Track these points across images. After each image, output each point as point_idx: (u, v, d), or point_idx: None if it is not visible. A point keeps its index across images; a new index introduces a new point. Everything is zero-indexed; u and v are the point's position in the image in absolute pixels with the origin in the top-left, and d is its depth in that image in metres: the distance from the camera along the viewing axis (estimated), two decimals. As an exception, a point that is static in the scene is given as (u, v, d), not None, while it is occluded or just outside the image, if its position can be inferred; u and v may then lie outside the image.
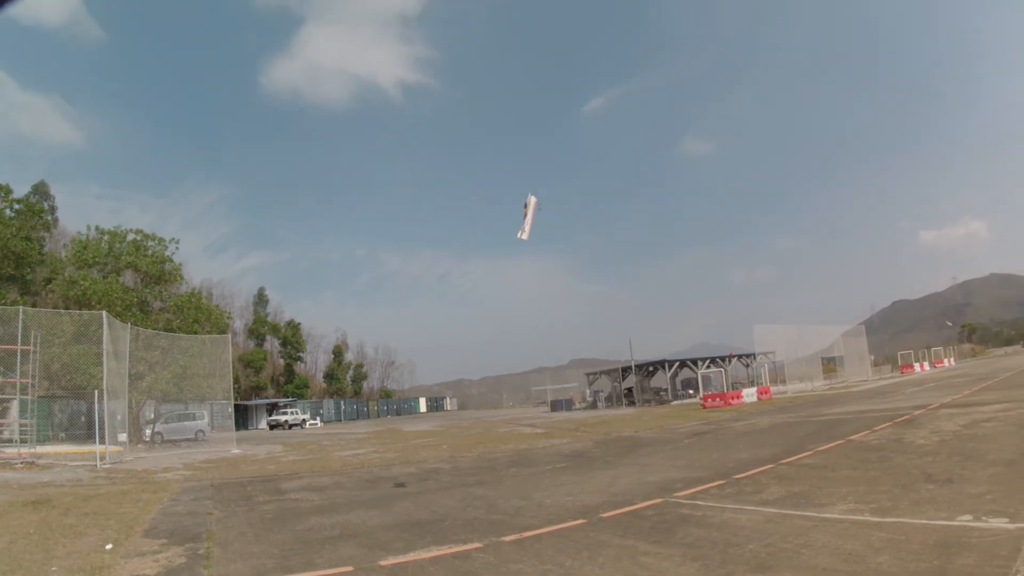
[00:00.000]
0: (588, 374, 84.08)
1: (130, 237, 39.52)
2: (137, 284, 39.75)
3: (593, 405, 71.68)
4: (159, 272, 39.63)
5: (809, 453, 15.90)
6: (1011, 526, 7.35)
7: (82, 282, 35.85)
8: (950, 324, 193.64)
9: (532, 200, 32.64)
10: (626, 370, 68.64)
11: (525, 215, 32.85)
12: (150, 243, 39.97)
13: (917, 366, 75.82)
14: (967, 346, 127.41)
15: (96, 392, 25.83)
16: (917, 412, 22.74)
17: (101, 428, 25.28)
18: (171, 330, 36.59)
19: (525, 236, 31.97)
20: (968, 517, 7.98)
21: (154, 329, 34.97)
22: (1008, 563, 6.08)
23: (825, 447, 16.64)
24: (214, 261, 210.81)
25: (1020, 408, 19.71)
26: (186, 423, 42.11)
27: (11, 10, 3.90)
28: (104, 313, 27.46)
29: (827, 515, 9.09)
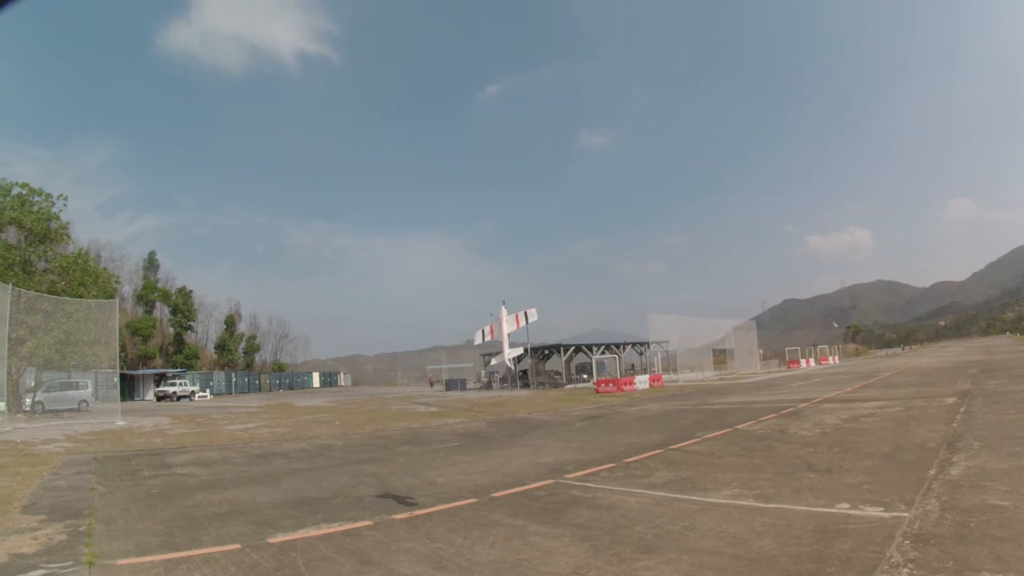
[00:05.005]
0: (484, 355, 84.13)
1: (15, 191, 37.35)
2: (20, 242, 37.67)
3: (488, 386, 71.88)
4: (44, 230, 37.62)
5: (697, 440, 16.24)
6: (886, 515, 7.61)
7: (-41, 239, 33.71)
8: (836, 325, 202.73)
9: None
10: (522, 352, 69.08)
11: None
12: (36, 199, 37.89)
13: (803, 362, 78.99)
14: (851, 346, 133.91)
15: None
16: (801, 405, 23.59)
17: (-23, 397, 23.88)
18: (55, 293, 34.86)
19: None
20: (846, 505, 8.24)
21: (37, 291, 33.22)
22: (882, 549, 6.29)
23: (713, 435, 17.05)
24: (105, 222, 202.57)
25: (897, 405, 20.67)
26: (69, 392, 40.15)
27: (10, 11, 3.55)
28: (-17, 273, 25.86)
29: (713, 500, 9.26)
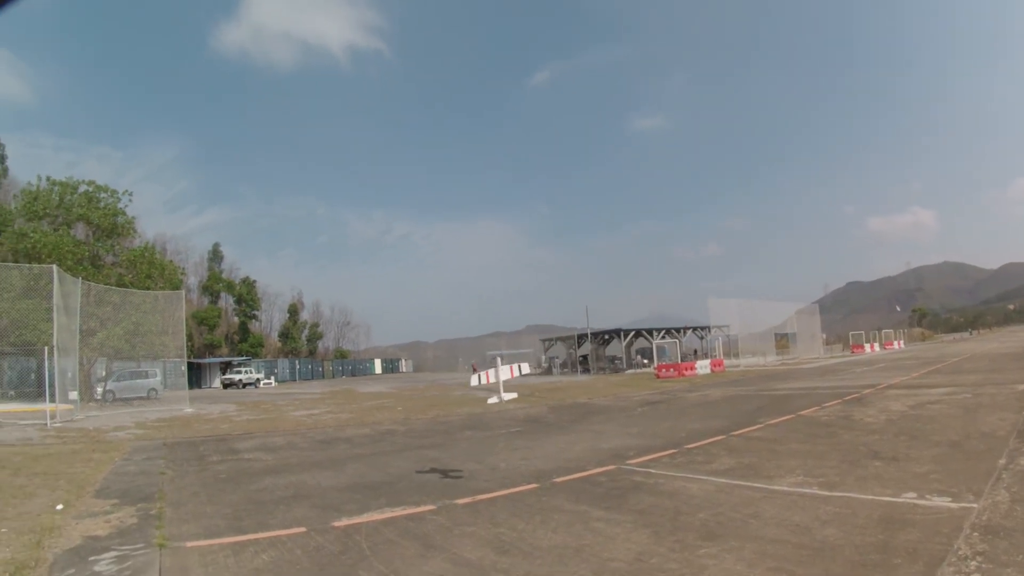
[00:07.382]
0: (544, 340, 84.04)
1: (82, 189, 38.40)
2: (89, 237, 38.79)
3: (548, 371, 71.95)
4: (111, 225, 38.64)
5: (760, 426, 16.12)
6: (954, 505, 7.50)
7: (32, 235, 34.85)
8: (899, 308, 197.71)
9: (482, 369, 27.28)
10: (582, 337, 69.07)
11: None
12: (103, 195, 38.89)
13: (867, 347, 77.31)
14: (917, 330, 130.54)
15: (46, 349, 25.23)
16: (866, 391, 23.17)
17: (51, 386, 24.81)
18: (123, 285, 35.78)
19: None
20: (912, 495, 8.13)
21: (106, 284, 34.11)
22: (950, 541, 6.20)
23: (775, 421, 16.90)
24: (171, 216, 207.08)
25: (966, 392, 20.17)
26: (138, 381, 41.32)
27: (11, 10, 3.71)
28: (55, 267, 26.73)
29: (776, 487, 9.21)
